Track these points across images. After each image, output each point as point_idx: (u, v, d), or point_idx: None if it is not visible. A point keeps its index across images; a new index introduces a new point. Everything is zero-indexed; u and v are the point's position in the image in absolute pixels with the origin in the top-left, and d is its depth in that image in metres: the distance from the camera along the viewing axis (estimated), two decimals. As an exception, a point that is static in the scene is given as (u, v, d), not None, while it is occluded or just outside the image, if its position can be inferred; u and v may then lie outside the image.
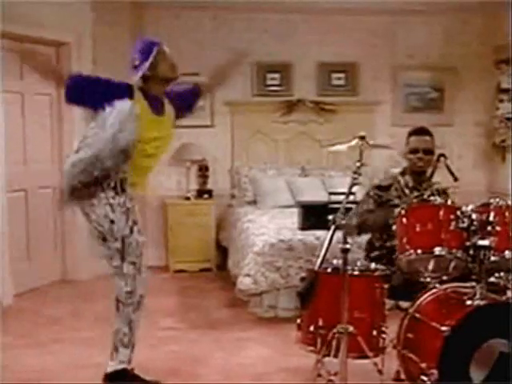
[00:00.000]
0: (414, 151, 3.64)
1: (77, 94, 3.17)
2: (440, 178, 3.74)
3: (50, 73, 3.42)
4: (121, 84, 3.21)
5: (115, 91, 3.14)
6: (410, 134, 3.72)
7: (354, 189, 2.93)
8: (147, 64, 3.16)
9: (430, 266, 3.03)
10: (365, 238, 3.83)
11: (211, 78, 3.76)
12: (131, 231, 3.20)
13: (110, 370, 3.28)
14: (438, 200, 3.18)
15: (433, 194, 3.51)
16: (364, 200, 3.69)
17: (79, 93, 3.16)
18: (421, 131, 3.70)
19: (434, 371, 2.66)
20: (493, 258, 2.87)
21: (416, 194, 3.61)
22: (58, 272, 5.77)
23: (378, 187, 3.72)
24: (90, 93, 3.16)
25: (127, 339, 3.27)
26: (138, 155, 3.18)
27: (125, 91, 3.15)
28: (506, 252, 2.90)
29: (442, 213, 3.01)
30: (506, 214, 2.96)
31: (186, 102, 3.53)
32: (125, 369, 3.29)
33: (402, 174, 3.74)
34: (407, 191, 3.66)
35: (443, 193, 3.65)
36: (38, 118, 5.51)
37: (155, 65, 3.18)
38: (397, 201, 3.59)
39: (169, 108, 3.36)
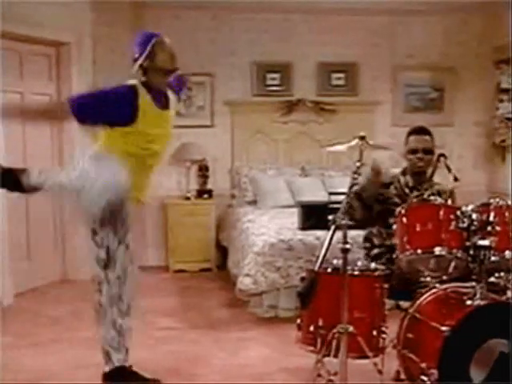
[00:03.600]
0: (413, 151, 3.60)
1: (86, 115, 3.10)
2: (440, 178, 3.73)
3: (47, 113, 3.33)
4: (122, 88, 3.13)
5: (120, 99, 3.09)
6: (410, 133, 3.68)
7: (354, 189, 2.93)
8: (144, 54, 3.10)
9: (430, 266, 3.03)
10: (362, 234, 3.81)
11: None
12: (119, 242, 3.19)
13: (107, 369, 3.28)
14: (439, 200, 3.17)
15: (433, 194, 3.49)
16: (362, 187, 3.58)
17: (88, 113, 3.09)
18: (420, 131, 3.67)
19: (434, 371, 2.66)
20: (493, 258, 2.87)
21: (416, 193, 3.59)
22: (57, 272, 5.77)
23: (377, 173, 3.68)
24: (98, 110, 3.09)
25: (116, 342, 3.24)
26: (141, 154, 3.15)
27: (128, 95, 3.09)
28: (506, 252, 2.90)
29: (442, 213, 3.01)
30: (506, 214, 2.96)
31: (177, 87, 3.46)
32: (122, 366, 3.28)
33: (403, 173, 3.72)
34: (407, 191, 3.64)
35: (444, 194, 3.60)
36: (38, 118, 5.50)
37: (153, 55, 3.11)
38: (396, 199, 3.58)
39: (173, 100, 3.33)
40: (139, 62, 3.11)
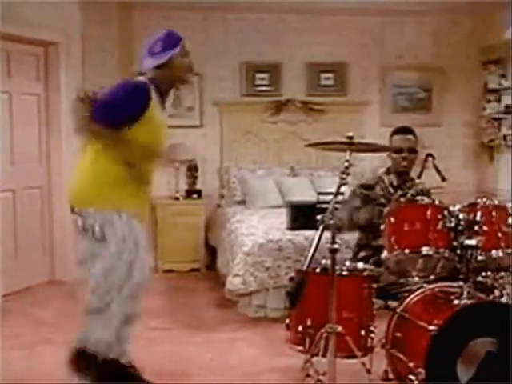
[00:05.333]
0: (398, 151, 3.63)
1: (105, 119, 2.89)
2: (428, 178, 3.74)
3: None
4: (139, 88, 2.95)
5: (136, 100, 2.93)
6: (393, 133, 3.72)
7: (343, 189, 2.93)
8: (169, 54, 2.99)
9: (418, 266, 3.04)
10: (353, 237, 3.84)
11: None
12: None
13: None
14: (426, 200, 3.18)
15: (417, 194, 3.51)
16: (350, 198, 3.69)
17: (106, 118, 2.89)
18: (404, 130, 3.70)
19: (422, 370, 2.67)
20: (480, 258, 2.89)
21: (400, 192, 3.62)
22: (46, 272, 5.75)
23: (363, 186, 3.73)
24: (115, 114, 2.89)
25: None
26: (148, 159, 3.11)
27: (145, 95, 2.94)
28: (493, 251, 2.91)
29: (429, 212, 3.02)
30: (493, 213, 2.98)
31: None
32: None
33: (387, 173, 3.75)
34: (391, 190, 3.67)
35: (427, 193, 3.65)
36: (26, 117, 5.48)
37: (175, 59, 3.02)
38: (382, 200, 3.61)
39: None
40: (160, 61, 2.97)
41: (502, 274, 2.97)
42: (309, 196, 5.55)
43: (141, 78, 3.04)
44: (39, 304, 5.04)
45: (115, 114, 2.89)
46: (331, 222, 2.79)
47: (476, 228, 2.89)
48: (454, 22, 6.79)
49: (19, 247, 5.44)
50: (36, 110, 5.60)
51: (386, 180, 3.71)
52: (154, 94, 2.99)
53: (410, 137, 3.67)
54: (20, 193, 5.45)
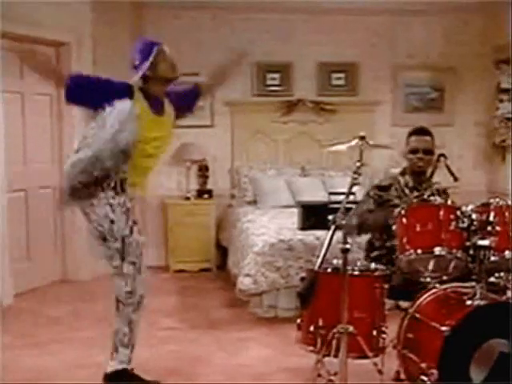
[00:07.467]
0: (414, 151, 3.64)
1: (77, 94, 3.17)
2: (440, 178, 3.74)
3: (50, 73, 3.37)
4: (121, 84, 3.21)
5: (115, 91, 3.14)
6: (410, 133, 3.72)
7: (354, 189, 2.93)
8: (147, 64, 3.16)
9: (430, 266, 3.03)
10: (365, 238, 3.84)
11: (211, 78, 3.76)
12: (131, 231, 3.20)
13: (110, 369, 3.28)
14: (438, 200, 3.17)
15: (433, 194, 3.50)
16: (364, 200, 3.69)
17: (79, 93, 3.16)
18: (421, 131, 3.70)
19: (434, 371, 2.66)
20: (493, 258, 2.88)
21: (416, 193, 3.61)
22: (58, 272, 5.77)
23: (378, 187, 3.73)
24: (90, 93, 3.16)
25: (127, 339, 3.27)
26: (138, 155, 3.17)
27: (125, 91, 3.15)
28: (506, 252, 2.90)
29: (442, 213, 3.01)
30: (506, 213, 2.96)
31: (185, 102, 3.52)
32: (125, 369, 3.29)
33: (402, 174, 3.74)
34: (407, 191, 3.66)
35: (443, 193, 3.65)
36: (38, 117, 5.51)
37: (155, 65, 3.18)
38: (397, 201, 3.59)
39: (169, 108, 3.36)
40: (141, 72, 3.17)
41: (515, 274, 2.95)
42: (320, 196, 5.55)
43: (131, 81, 3.23)
44: (51, 303, 5.06)
45: (82, 92, 3.17)
46: (343, 222, 2.79)
47: (489, 228, 2.87)
48: (464, 21, 6.75)
49: (31, 247, 5.47)
50: (48, 110, 5.62)
51: (402, 181, 3.70)
52: (141, 99, 3.18)
53: (427, 138, 3.67)
54: (32, 192, 5.48)
